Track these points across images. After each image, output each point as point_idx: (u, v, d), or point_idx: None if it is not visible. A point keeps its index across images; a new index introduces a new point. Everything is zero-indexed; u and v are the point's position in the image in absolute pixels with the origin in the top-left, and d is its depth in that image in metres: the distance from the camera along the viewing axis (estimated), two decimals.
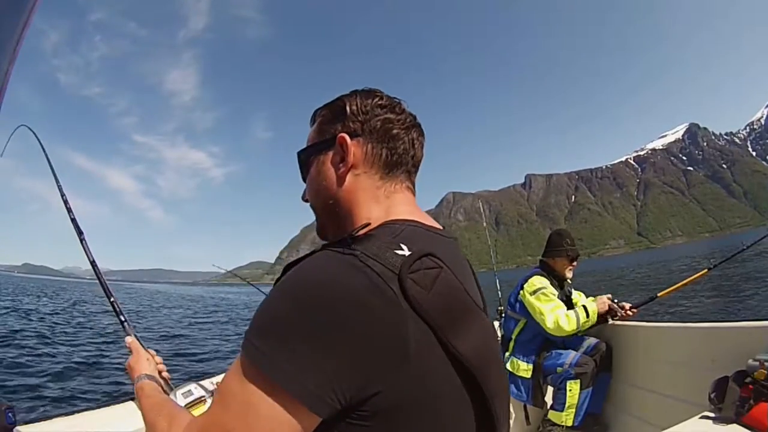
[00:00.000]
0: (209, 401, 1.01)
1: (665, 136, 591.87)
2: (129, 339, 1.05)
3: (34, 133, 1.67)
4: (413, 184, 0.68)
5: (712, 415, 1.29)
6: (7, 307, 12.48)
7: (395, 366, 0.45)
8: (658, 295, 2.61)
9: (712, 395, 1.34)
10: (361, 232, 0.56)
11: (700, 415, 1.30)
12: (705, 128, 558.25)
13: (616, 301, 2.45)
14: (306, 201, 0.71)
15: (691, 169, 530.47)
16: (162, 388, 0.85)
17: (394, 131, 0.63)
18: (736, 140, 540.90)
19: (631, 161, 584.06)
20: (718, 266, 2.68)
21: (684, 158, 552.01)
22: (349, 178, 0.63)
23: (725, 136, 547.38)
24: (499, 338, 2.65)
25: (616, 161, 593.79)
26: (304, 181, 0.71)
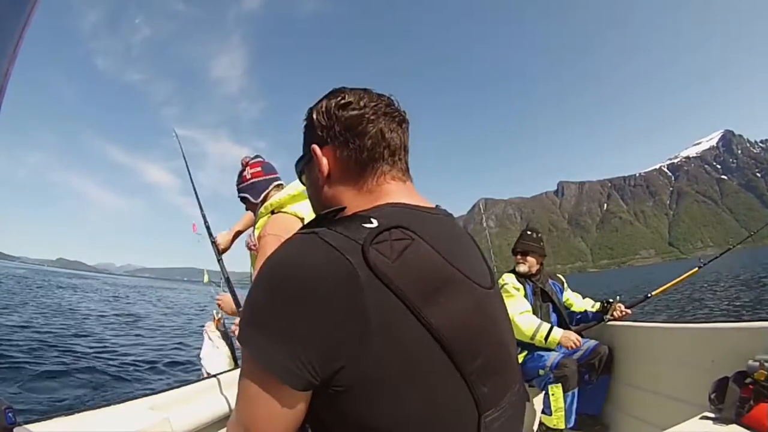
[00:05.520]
0: None
1: (699, 143, 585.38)
2: None
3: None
4: (402, 171, 0.66)
5: (712, 415, 1.29)
6: (11, 304, 12.43)
7: (355, 338, 0.46)
8: (652, 294, 2.62)
9: (712, 395, 1.34)
10: (339, 215, 0.58)
11: (700, 416, 1.30)
12: (740, 135, 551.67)
13: (612, 300, 2.45)
14: None
15: (725, 177, 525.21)
16: None
17: (359, 128, 0.63)
18: None
19: (665, 169, 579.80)
20: (707, 264, 2.71)
21: (718, 166, 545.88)
22: (329, 184, 0.65)
23: (761, 144, 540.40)
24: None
25: (649, 169, 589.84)
26: None
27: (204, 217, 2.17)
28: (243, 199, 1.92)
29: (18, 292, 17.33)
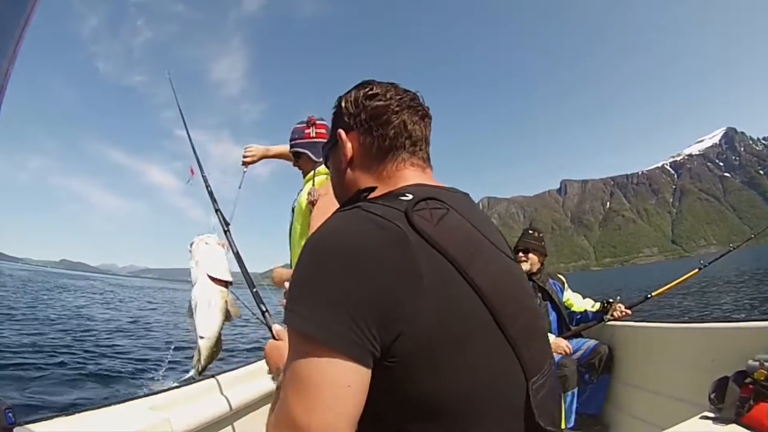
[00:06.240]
0: None
1: (702, 141, 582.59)
2: (278, 327, 1.08)
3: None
4: (423, 159, 0.69)
5: (712, 415, 1.29)
6: (14, 306, 12.41)
7: (411, 297, 0.45)
8: (652, 294, 2.63)
9: (712, 395, 1.34)
10: (370, 196, 0.61)
11: (700, 415, 1.30)
12: (742, 133, 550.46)
13: (612, 301, 2.45)
14: None
15: (728, 175, 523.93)
16: None
17: (384, 118, 0.66)
18: None
19: (668, 167, 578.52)
20: (708, 266, 2.72)
21: (721, 164, 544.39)
22: (352, 168, 0.69)
23: (763, 141, 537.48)
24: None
25: (652, 167, 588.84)
26: None
27: (198, 161, 1.95)
28: (299, 154, 1.93)
29: (22, 294, 17.31)
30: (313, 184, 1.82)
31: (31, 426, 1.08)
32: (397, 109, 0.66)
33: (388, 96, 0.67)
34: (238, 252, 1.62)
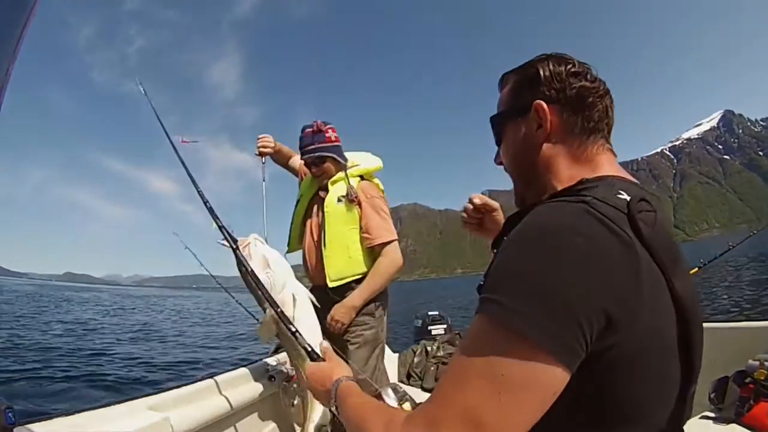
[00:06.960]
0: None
1: (700, 124, 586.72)
2: (326, 344, 0.97)
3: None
4: (611, 147, 0.66)
5: (712, 414, 1.29)
6: (20, 322, 12.32)
7: (634, 307, 0.44)
8: None
9: (712, 395, 1.34)
10: (580, 187, 0.57)
11: (700, 415, 1.31)
12: (740, 115, 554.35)
13: None
14: (500, 164, 0.74)
15: (727, 157, 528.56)
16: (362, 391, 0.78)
17: (590, 99, 0.62)
18: None
19: (667, 152, 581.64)
20: (708, 265, 2.75)
21: (720, 147, 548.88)
22: (547, 144, 0.64)
23: (761, 122, 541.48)
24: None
25: (651, 152, 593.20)
26: (498, 145, 0.74)
27: (189, 175, 1.54)
28: (324, 158, 1.85)
29: (28, 308, 17.26)
30: (349, 185, 1.81)
31: (30, 425, 1.08)
32: (602, 93, 0.64)
33: (590, 77, 0.64)
34: (253, 271, 1.36)
